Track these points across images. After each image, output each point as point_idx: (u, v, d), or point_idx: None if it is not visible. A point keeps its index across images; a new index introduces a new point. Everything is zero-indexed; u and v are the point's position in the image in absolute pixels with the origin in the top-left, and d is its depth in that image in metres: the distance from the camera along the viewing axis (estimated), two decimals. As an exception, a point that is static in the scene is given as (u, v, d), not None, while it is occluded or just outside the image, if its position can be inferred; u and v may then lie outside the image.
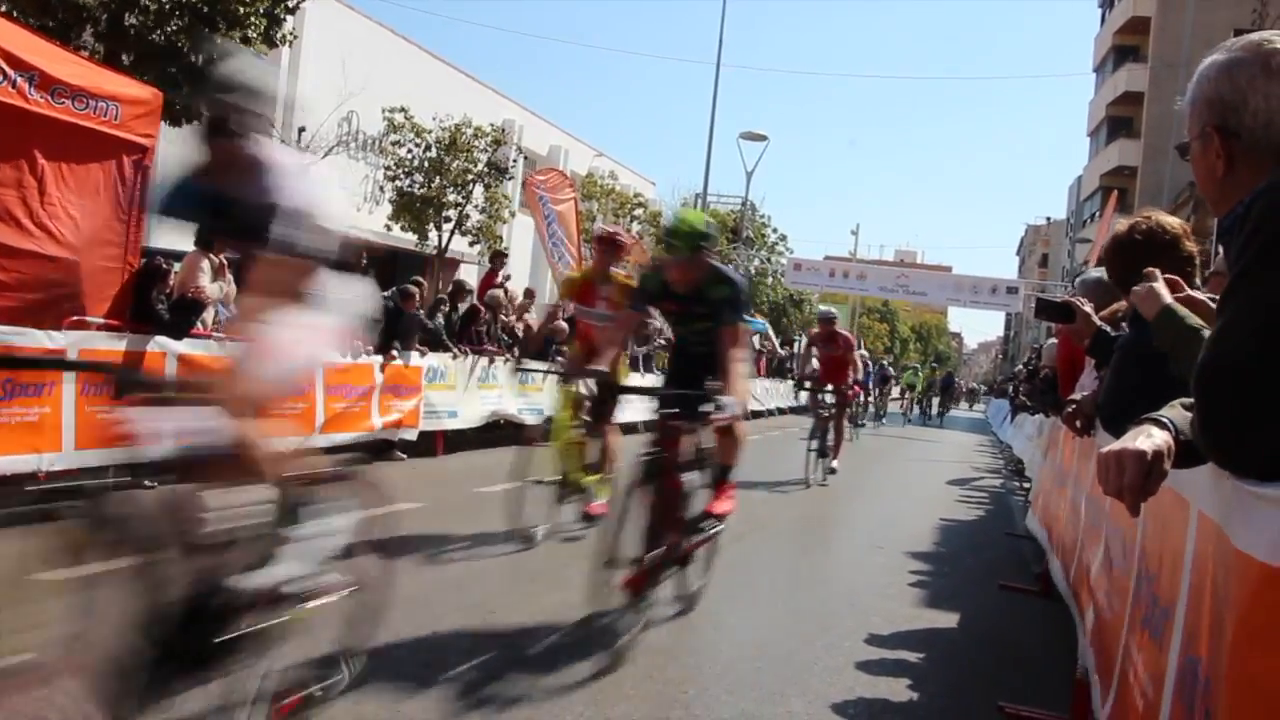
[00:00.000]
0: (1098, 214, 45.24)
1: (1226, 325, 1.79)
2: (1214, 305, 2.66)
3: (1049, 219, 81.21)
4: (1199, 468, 2.09)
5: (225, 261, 9.69)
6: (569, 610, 5.65)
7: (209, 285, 9.32)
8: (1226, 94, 2.07)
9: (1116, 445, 1.99)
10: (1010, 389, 25.77)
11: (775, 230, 51.43)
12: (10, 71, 7.20)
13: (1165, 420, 2.02)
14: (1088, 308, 4.21)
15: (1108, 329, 4.13)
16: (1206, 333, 2.65)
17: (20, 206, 7.42)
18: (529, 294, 17.78)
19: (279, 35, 15.71)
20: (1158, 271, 2.98)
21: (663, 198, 46.60)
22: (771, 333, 42.59)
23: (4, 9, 11.99)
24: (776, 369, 34.69)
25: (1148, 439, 1.96)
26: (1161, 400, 2.16)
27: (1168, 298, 2.83)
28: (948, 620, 6.53)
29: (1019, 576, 8.00)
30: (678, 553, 5.52)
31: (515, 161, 29.16)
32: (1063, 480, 7.28)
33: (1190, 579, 2.27)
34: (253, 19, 14.49)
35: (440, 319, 12.91)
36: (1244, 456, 1.77)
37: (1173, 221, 3.62)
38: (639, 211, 35.21)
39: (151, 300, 8.38)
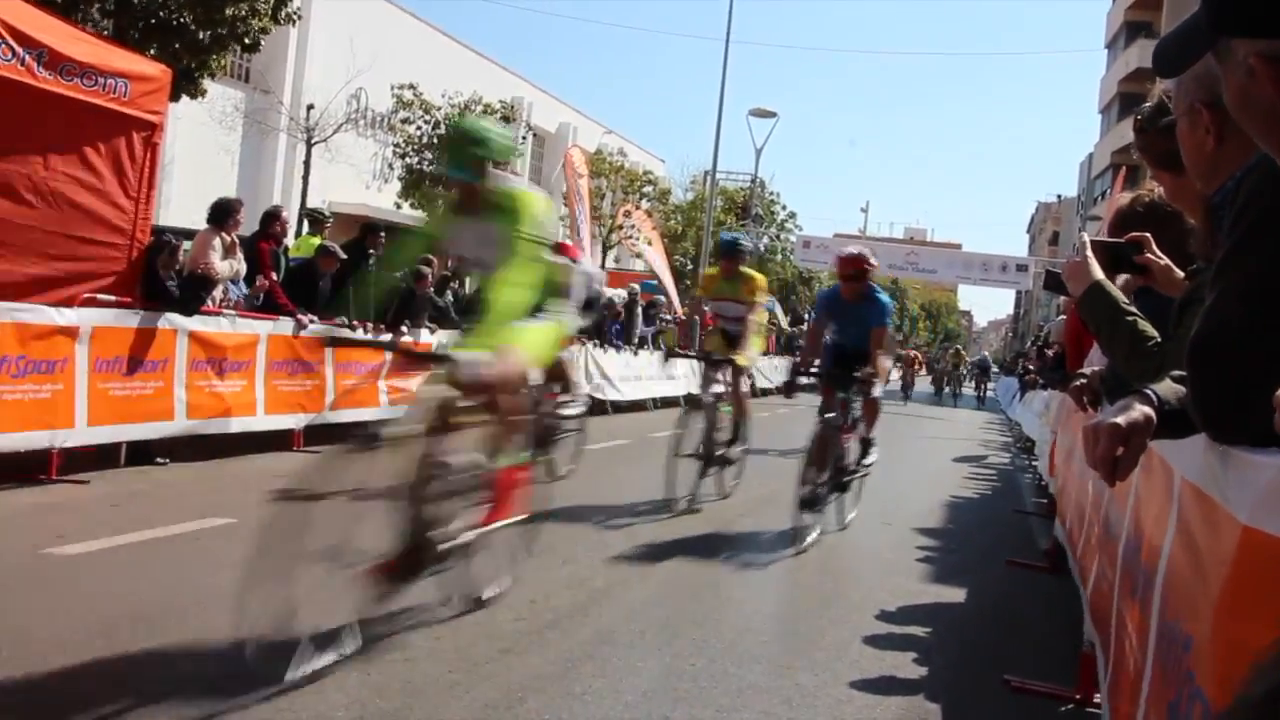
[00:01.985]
0: (1109, 191, 45.05)
1: (1218, 300, 1.80)
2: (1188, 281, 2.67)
3: (1060, 196, 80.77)
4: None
5: (236, 240, 9.72)
6: (579, 583, 5.69)
7: (220, 262, 9.35)
8: (1215, 68, 2.05)
9: (1096, 418, 2.01)
10: (1020, 367, 25.72)
11: (784, 208, 51.47)
12: (18, 49, 7.19)
13: (1149, 393, 2.04)
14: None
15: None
16: (1131, 317, 2.66)
17: (28, 184, 7.43)
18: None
19: (284, 13, 15.71)
20: (1088, 239, 2.95)
21: (672, 175, 46.60)
22: (779, 311, 42.54)
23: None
24: (785, 346, 34.73)
25: (1126, 412, 1.98)
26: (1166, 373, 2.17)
27: (1098, 274, 2.79)
28: (955, 595, 6.56)
29: (1027, 553, 8.02)
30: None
31: (524, 139, 29.16)
32: (1071, 456, 7.29)
33: (1172, 545, 2.29)
34: (260, -4, 14.49)
35: (449, 296, 12.94)
36: (1236, 430, 1.79)
37: (1176, 195, 3.60)
38: (648, 189, 35.19)
39: (161, 277, 8.41)
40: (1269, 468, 1.59)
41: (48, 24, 7.64)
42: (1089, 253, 2.84)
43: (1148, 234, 3.05)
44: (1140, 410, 2.00)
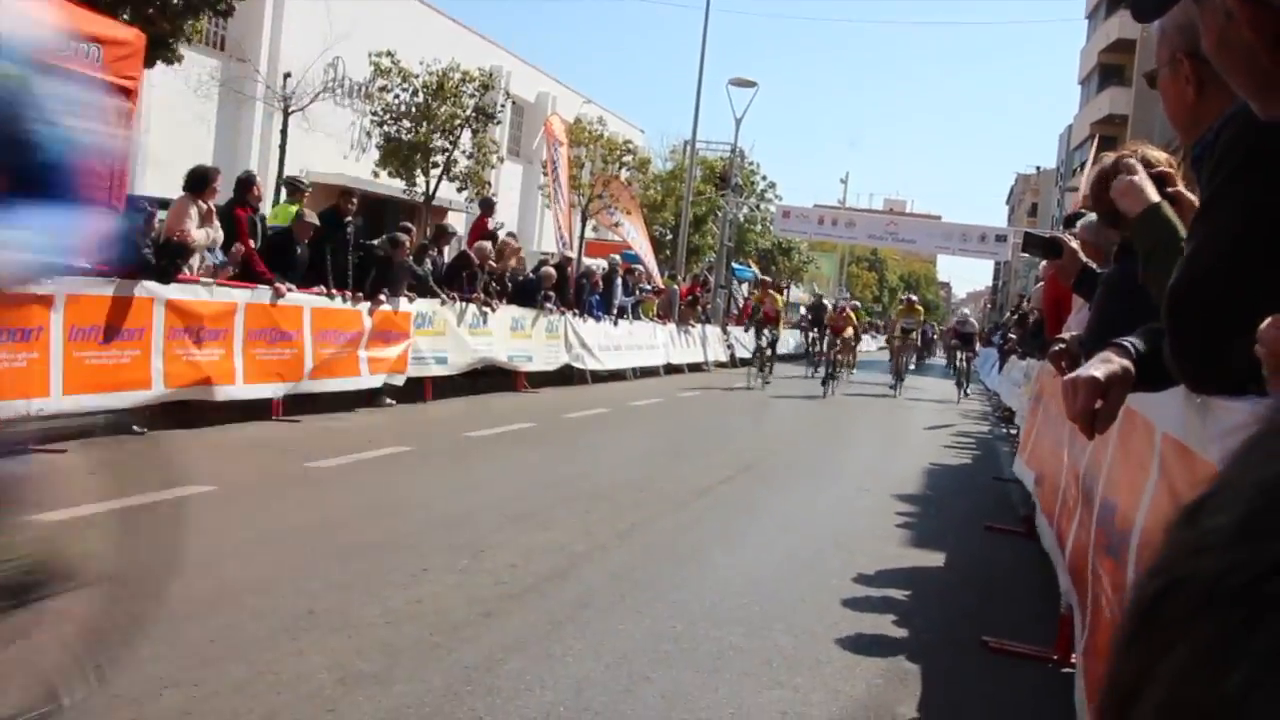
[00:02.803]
0: (1087, 162, 45.11)
1: (1197, 248, 1.80)
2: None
3: (1039, 168, 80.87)
4: (1165, 391, 2.11)
5: (214, 208, 9.64)
6: (559, 548, 5.70)
7: (196, 230, 9.27)
8: (1197, 19, 2.04)
9: (1075, 372, 2.02)
10: (999, 337, 25.75)
11: (764, 178, 51.26)
12: (-11, 11, 7.10)
13: (1127, 345, 2.04)
14: (1075, 244, 4.21)
15: (1094, 265, 4.14)
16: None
17: None
18: (510, 238, 17.69)
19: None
20: (1139, 165, 2.85)
21: (651, 145, 46.40)
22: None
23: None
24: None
25: (1104, 365, 1.98)
26: None
27: (1154, 195, 2.71)
28: (934, 560, 6.60)
29: (1005, 518, 8.07)
30: None
31: (503, 107, 28.94)
32: (1050, 422, 7.32)
33: (1151, 500, 2.30)
34: (236, -40, 14.30)
35: (429, 264, 12.88)
36: (1213, 377, 1.79)
37: (1160, 155, 3.59)
38: (627, 159, 35.04)
39: (137, 244, 8.34)
40: (1248, 413, 1.59)
41: (18, -14, 7.51)
42: (1143, 173, 2.75)
43: (1172, 171, 3.00)
44: (1119, 363, 2.00)
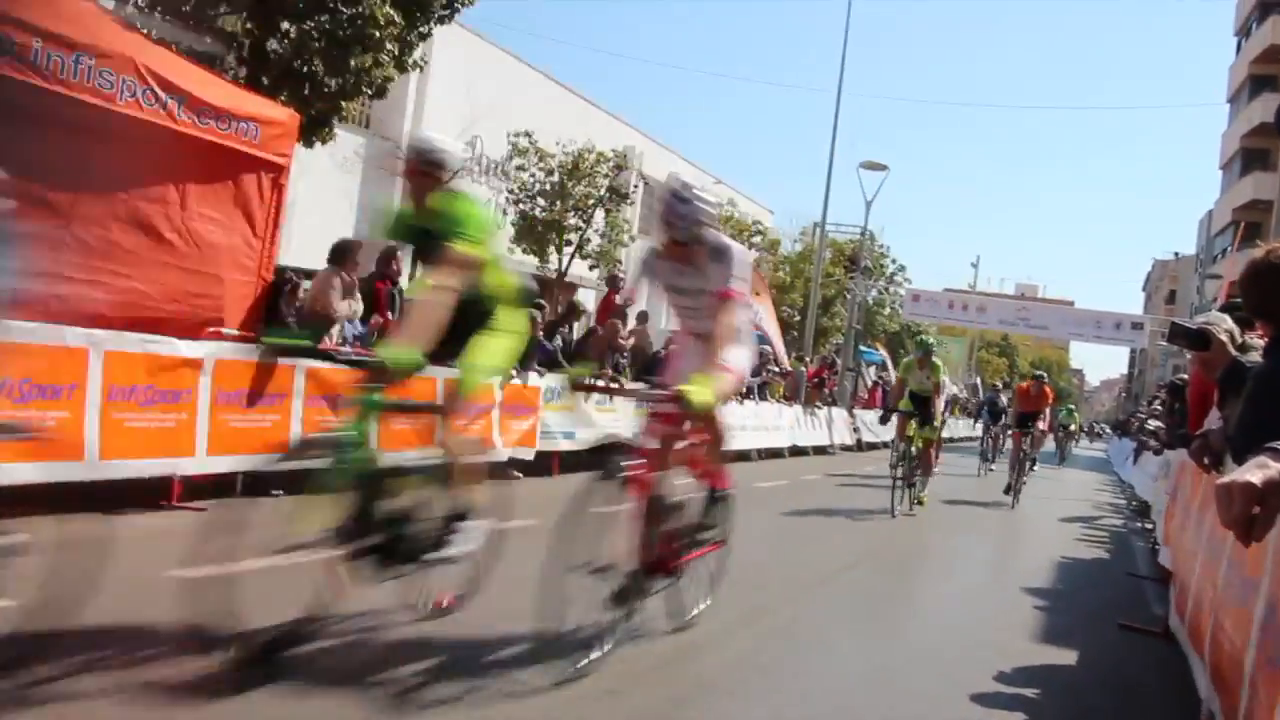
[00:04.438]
0: (1229, 249, 43.75)
1: None
2: None
3: (1177, 254, 78.78)
4: None
5: (356, 280, 9.98)
6: (681, 627, 5.66)
7: (339, 302, 9.60)
8: None
9: (1230, 476, 1.95)
10: (1135, 427, 24.87)
11: (894, 261, 51.01)
12: (162, 94, 7.58)
13: None
14: (1224, 336, 4.10)
15: (1243, 360, 4.02)
16: None
17: (165, 222, 7.80)
18: (643, 317, 17.85)
19: (410, 61, 16.13)
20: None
21: (781, 226, 46.58)
22: (890, 364, 42.09)
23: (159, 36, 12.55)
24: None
25: (1260, 469, 1.91)
26: None
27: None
28: (1065, 657, 6.38)
29: (1140, 616, 7.77)
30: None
31: (636, 187, 29.42)
32: (1190, 518, 7.07)
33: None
34: (387, 45, 14.91)
35: (559, 340, 13.08)
36: None
37: (1318, 248, 3.51)
38: (757, 239, 35.20)
39: (282, 314, 8.68)
40: None
41: (189, 71, 8.02)
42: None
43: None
44: (1276, 468, 1.93)
